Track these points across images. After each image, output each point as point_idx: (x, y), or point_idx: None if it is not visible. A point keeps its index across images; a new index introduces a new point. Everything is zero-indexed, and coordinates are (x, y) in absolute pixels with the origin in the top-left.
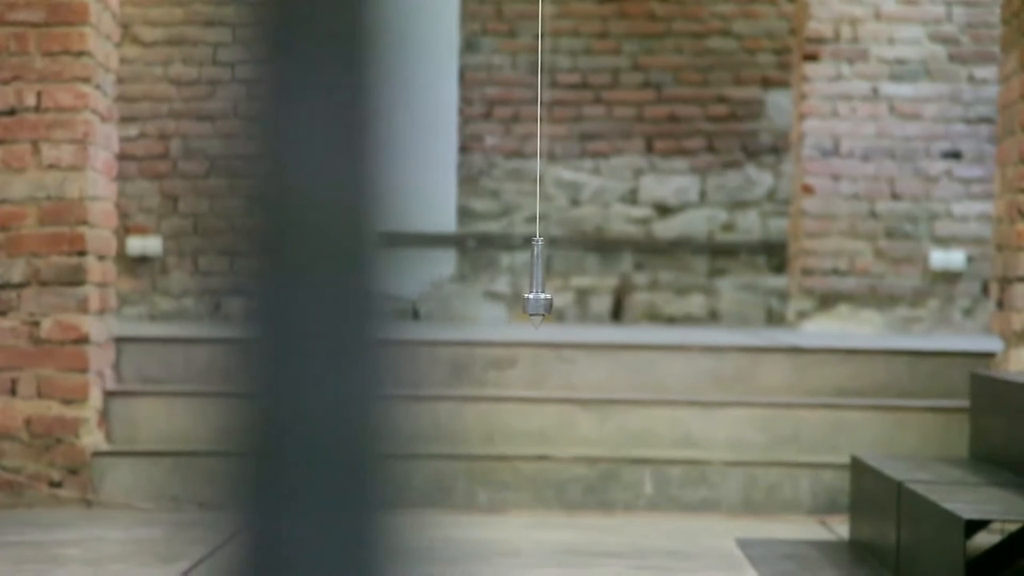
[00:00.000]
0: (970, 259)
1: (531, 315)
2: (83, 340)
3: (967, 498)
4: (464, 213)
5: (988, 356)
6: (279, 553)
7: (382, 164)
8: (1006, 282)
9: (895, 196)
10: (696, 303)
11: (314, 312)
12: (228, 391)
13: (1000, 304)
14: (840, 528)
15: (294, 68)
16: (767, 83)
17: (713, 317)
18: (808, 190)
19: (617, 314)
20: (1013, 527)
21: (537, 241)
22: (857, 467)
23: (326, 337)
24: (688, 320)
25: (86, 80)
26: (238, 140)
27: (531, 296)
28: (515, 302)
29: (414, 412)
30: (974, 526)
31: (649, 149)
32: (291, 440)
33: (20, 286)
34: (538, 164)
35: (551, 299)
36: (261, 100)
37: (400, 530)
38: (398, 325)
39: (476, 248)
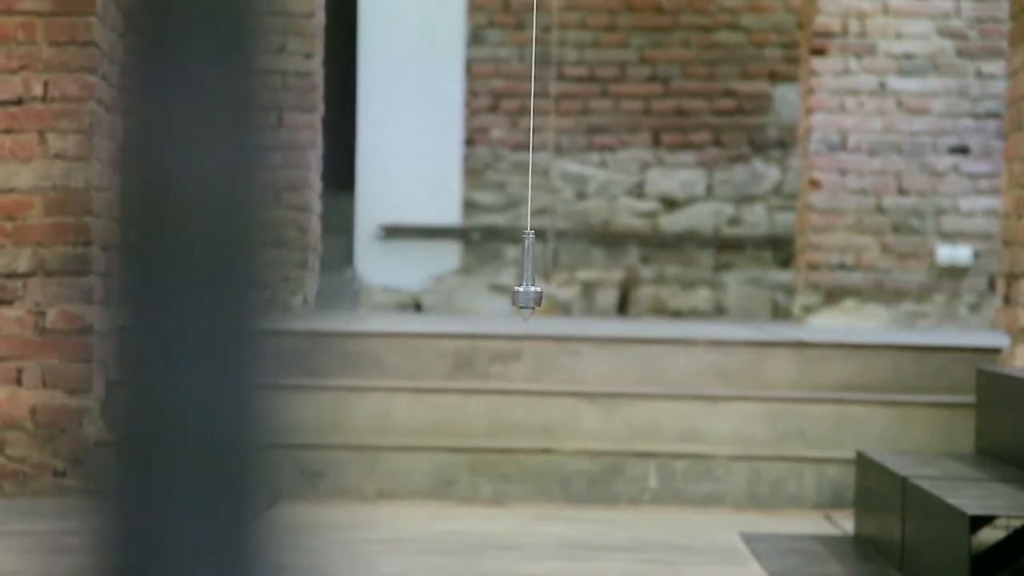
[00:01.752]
0: (977, 254)
1: (521, 307)
2: (87, 330)
3: (972, 494)
4: (469, 205)
5: (994, 352)
6: (152, 548)
7: (260, 152)
8: (1013, 278)
9: (902, 191)
10: (702, 297)
11: (190, 302)
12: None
13: (1006, 300)
14: (845, 523)
15: (170, 56)
16: (774, 77)
17: (719, 311)
18: (815, 184)
19: (623, 307)
20: (1018, 523)
21: (528, 234)
22: (862, 462)
23: (202, 327)
24: (694, 314)
25: (92, 70)
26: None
27: (521, 289)
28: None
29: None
30: (979, 522)
31: (656, 143)
32: (165, 433)
33: (26, 276)
34: (530, 156)
35: (541, 292)
36: (137, 88)
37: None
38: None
39: (481, 241)
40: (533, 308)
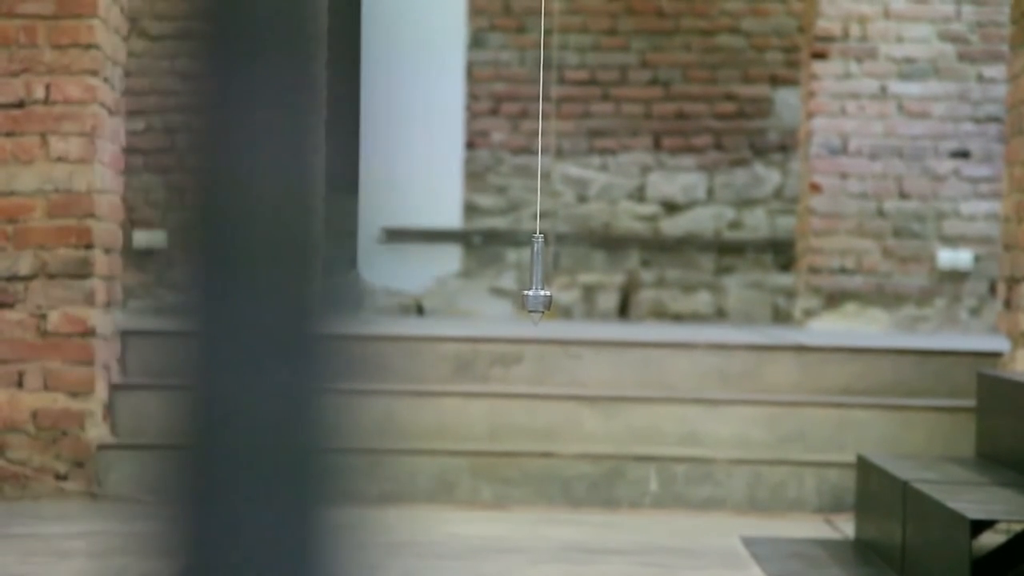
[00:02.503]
0: (977, 258)
1: (530, 311)
2: (89, 333)
3: (973, 498)
4: (470, 209)
5: (995, 356)
6: (220, 548)
7: (323, 160)
8: (1013, 282)
9: (903, 195)
10: (703, 301)
11: (255, 306)
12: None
13: (1007, 304)
14: (845, 527)
15: (237, 63)
16: (775, 81)
17: (720, 315)
18: (816, 188)
19: (624, 311)
20: (1019, 527)
21: (537, 238)
22: (863, 466)
23: (267, 331)
24: (695, 318)
25: (94, 73)
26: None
27: (530, 293)
28: (520, 298)
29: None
30: (980, 526)
31: (657, 146)
32: (231, 434)
33: (28, 278)
34: (539, 160)
35: (550, 296)
36: (204, 95)
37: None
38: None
39: (482, 244)
40: (543, 312)
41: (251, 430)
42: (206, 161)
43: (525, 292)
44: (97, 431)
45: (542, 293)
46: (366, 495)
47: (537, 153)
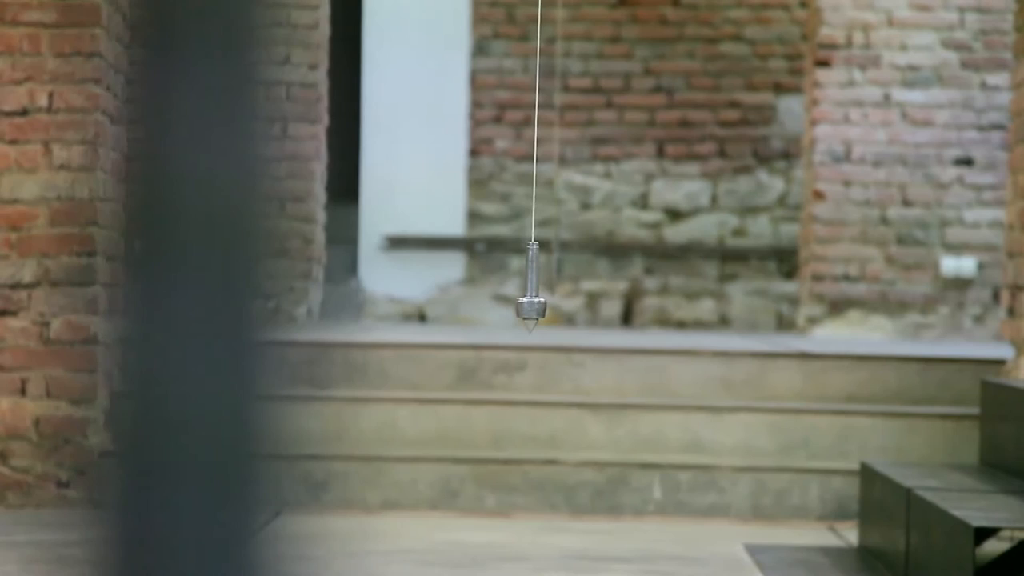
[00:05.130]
0: (981, 266)
1: (525, 319)
2: (92, 340)
3: (976, 505)
4: (474, 216)
5: (998, 363)
6: (155, 558)
7: (264, 162)
8: (1017, 289)
9: (906, 202)
10: (706, 308)
11: (195, 311)
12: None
13: (1011, 311)
14: (849, 534)
15: (174, 64)
16: (779, 88)
17: (723, 322)
18: (819, 196)
19: (627, 318)
20: (1022, 535)
21: (532, 245)
22: (866, 473)
23: (206, 337)
24: (698, 325)
25: (97, 81)
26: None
27: (525, 300)
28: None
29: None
30: (983, 533)
31: (660, 154)
32: (169, 443)
33: (30, 286)
34: (534, 167)
35: (545, 303)
36: (143, 96)
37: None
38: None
39: (485, 251)
40: (537, 319)
41: (188, 436)
42: (147, 160)
43: (520, 299)
44: (99, 438)
45: (536, 300)
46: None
47: (543, 160)
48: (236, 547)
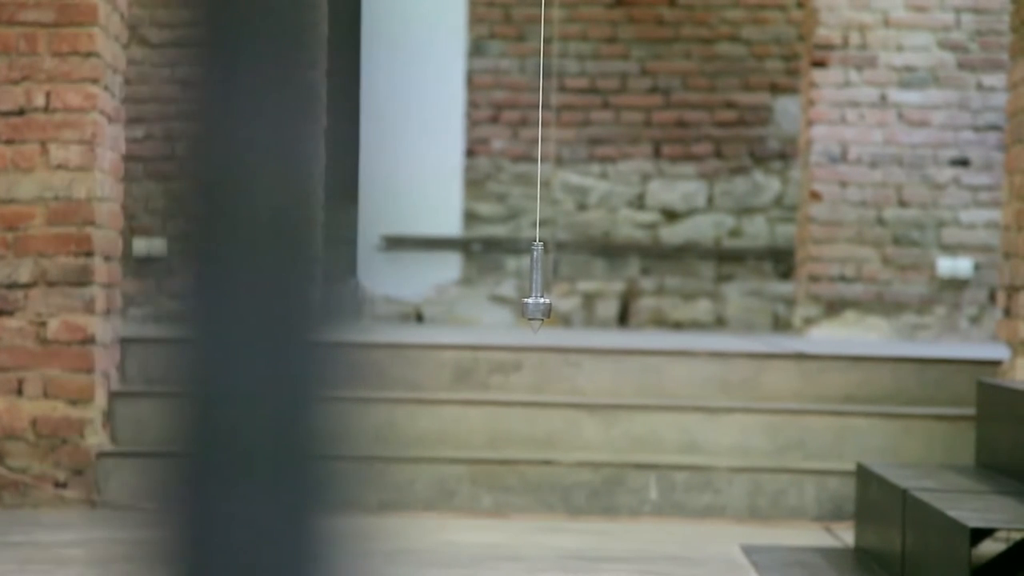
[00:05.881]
0: (977, 267)
1: (530, 319)
2: (89, 341)
3: (973, 506)
4: (470, 217)
5: (994, 364)
6: (218, 556)
7: (322, 164)
8: (1013, 290)
9: (902, 203)
10: (703, 309)
11: (256, 310)
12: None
13: (1007, 312)
14: (845, 535)
15: (234, 65)
16: (775, 89)
17: (719, 323)
18: (815, 196)
19: (623, 319)
20: (1018, 535)
21: (536, 246)
22: (863, 474)
23: (267, 336)
24: (694, 326)
25: (95, 81)
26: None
27: (530, 300)
28: (520, 306)
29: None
30: (979, 534)
31: (657, 154)
32: (230, 441)
33: (27, 286)
34: (539, 168)
35: (550, 303)
36: (199, 91)
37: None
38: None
39: (482, 252)
40: (542, 319)
41: (250, 436)
42: (205, 165)
43: (525, 300)
44: (96, 439)
45: (542, 300)
46: (364, 503)
47: (537, 161)
48: (297, 547)
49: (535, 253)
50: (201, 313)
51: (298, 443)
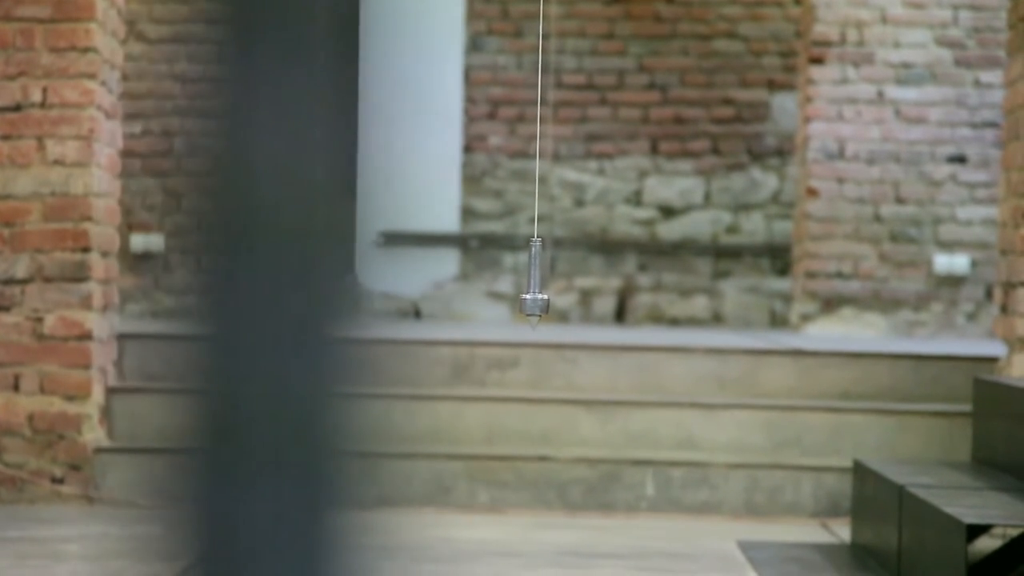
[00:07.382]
0: (974, 263)
1: (528, 315)
2: (86, 336)
3: (969, 502)
4: (467, 213)
5: (991, 360)
6: (235, 549)
7: (345, 155)
8: (1010, 287)
9: (900, 200)
10: (700, 305)
11: (270, 306)
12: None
13: (1004, 309)
14: (842, 531)
15: (256, 57)
16: (773, 86)
17: (716, 319)
18: (813, 193)
19: (620, 315)
20: (1015, 532)
21: (535, 242)
22: (859, 470)
23: (281, 331)
24: (691, 322)
25: (92, 76)
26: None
27: (528, 296)
28: (518, 302)
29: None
30: (976, 531)
31: (654, 151)
32: (246, 436)
33: (24, 282)
34: (536, 165)
35: (548, 299)
36: (222, 89)
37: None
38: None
39: (479, 248)
40: (540, 316)
41: (263, 432)
42: (221, 160)
43: (523, 296)
44: (94, 434)
45: (540, 297)
46: (369, 498)
47: (535, 157)
48: (315, 543)
49: (533, 249)
50: (214, 308)
51: (312, 439)
